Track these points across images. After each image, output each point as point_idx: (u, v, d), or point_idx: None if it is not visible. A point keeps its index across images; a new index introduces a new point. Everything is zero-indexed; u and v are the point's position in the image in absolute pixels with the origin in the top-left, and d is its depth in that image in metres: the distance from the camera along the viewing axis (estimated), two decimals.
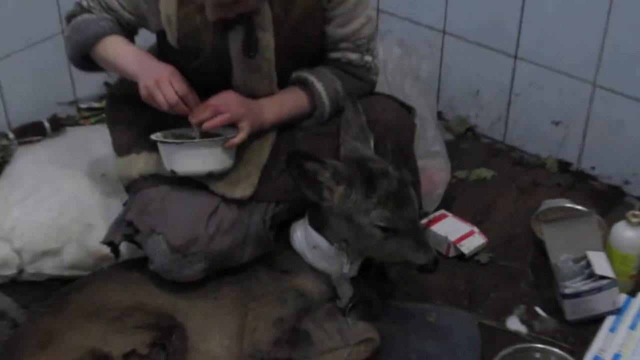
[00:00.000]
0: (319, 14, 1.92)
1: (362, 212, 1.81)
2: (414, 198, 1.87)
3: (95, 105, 2.73)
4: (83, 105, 2.76)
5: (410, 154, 2.10)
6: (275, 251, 1.99)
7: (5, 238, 2.17)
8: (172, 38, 1.89)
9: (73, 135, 2.54)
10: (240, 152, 1.94)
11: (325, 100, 1.98)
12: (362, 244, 1.87)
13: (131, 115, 2.07)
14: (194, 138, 1.88)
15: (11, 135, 2.43)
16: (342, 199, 1.83)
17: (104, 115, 2.26)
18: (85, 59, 1.95)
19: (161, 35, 1.95)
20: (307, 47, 1.98)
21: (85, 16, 1.91)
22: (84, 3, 1.93)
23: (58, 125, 2.57)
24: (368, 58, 2.02)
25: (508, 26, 2.56)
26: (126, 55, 1.88)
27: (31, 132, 2.50)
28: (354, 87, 2.02)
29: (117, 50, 1.89)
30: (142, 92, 1.82)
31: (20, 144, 2.45)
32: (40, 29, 2.49)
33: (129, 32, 1.97)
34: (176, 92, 1.79)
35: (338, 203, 1.83)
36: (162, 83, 1.79)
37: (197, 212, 1.88)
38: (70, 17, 1.95)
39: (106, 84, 2.73)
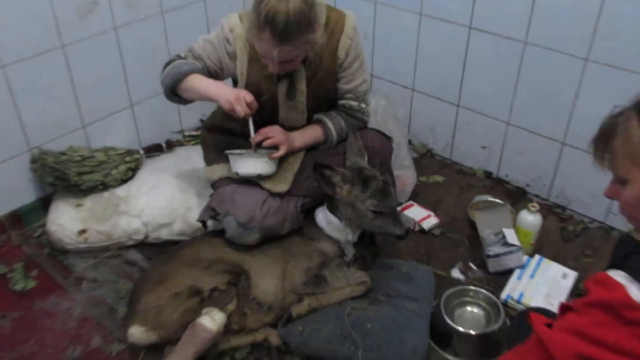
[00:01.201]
0: (334, 75, 1.92)
1: (360, 202, 1.81)
2: (393, 193, 1.87)
3: (194, 133, 2.74)
4: (186, 133, 2.77)
5: (389, 166, 2.09)
6: (304, 226, 1.98)
7: (137, 215, 2.19)
8: (241, 85, 1.90)
9: (180, 152, 2.55)
10: (281, 164, 1.94)
11: (334, 133, 1.97)
12: (360, 222, 1.87)
13: (216, 140, 2.07)
14: (252, 152, 1.89)
15: (141, 152, 2.45)
16: (348, 193, 1.83)
17: (199, 139, 2.27)
18: (173, 92, 1.89)
19: (234, 83, 1.96)
20: (325, 96, 1.97)
21: (181, 60, 1.88)
22: (181, 54, 1.91)
23: (170, 145, 2.59)
24: (363, 105, 2.01)
25: (453, 85, 2.54)
26: (208, 83, 1.82)
27: (154, 150, 2.52)
28: (352, 124, 2.00)
29: (201, 81, 1.83)
30: (225, 105, 1.76)
31: (147, 157, 2.46)
32: (160, 86, 2.50)
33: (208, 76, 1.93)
34: (248, 105, 1.77)
35: (345, 196, 1.83)
36: (239, 99, 1.75)
37: (254, 201, 1.88)
38: (168, 63, 1.89)
39: (201, 120, 2.74)
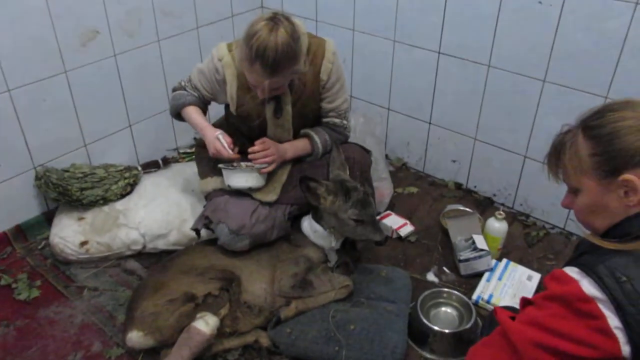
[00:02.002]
0: (318, 96, 1.91)
1: (343, 211, 1.79)
2: (373, 203, 1.84)
3: (188, 150, 2.70)
4: (181, 151, 2.72)
5: (369, 178, 2.08)
6: (291, 233, 1.95)
7: (136, 227, 2.13)
8: (233, 108, 1.89)
9: (175, 168, 2.50)
10: (270, 175, 1.92)
11: (320, 146, 1.96)
12: (343, 230, 1.84)
13: (208, 156, 2.03)
14: (243, 167, 1.87)
15: (139, 168, 2.40)
16: (331, 204, 1.81)
17: (193, 156, 2.24)
18: (177, 114, 1.97)
19: (227, 107, 1.95)
20: (310, 114, 1.96)
21: (181, 91, 1.95)
22: (182, 83, 1.96)
23: (166, 162, 2.54)
24: (345, 122, 2.00)
25: (425, 105, 2.54)
26: (196, 122, 1.91)
27: (151, 166, 2.47)
28: (336, 139, 1.99)
29: (194, 118, 1.92)
30: (210, 153, 1.86)
31: (144, 173, 2.41)
32: (157, 106, 2.49)
33: (204, 104, 1.98)
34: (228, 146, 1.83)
35: (329, 206, 1.81)
36: (219, 151, 1.82)
37: (245, 210, 1.85)
38: (174, 89, 1.99)
39: (194, 138, 2.71)
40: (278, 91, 1.76)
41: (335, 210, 1.80)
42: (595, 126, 1.06)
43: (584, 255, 1.06)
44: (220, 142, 1.82)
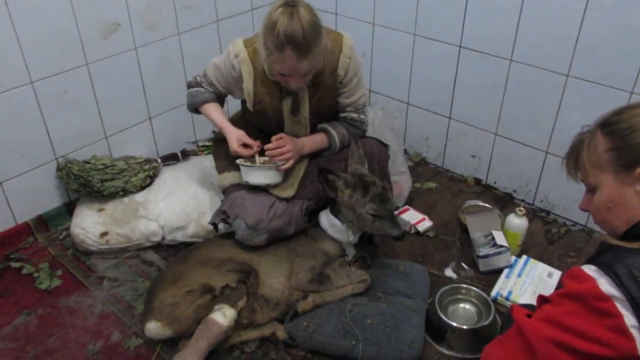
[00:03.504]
0: (335, 91, 1.90)
1: (361, 205, 1.79)
2: (391, 198, 1.84)
3: (207, 143, 2.71)
4: (200, 143, 2.73)
5: (387, 172, 2.07)
6: (309, 228, 1.95)
7: (155, 219, 2.15)
8: (249, 104, 1.89)
9: (194, 161, 2.52)
10: (287, 171, 1.92)
11: (337, 140, 1.95)
12: (361, 224, 1.84)
13: (226, 150, 2.03)
14: (262, 163, 1.88)
15: (159, 160, 2.42)
16: (349, 197, 1.80)
17: (211, 149, 2.24)
18: (195, 109, 2.00)
19: (243, 102, 1.95)
20: (327, 110, 1.95)
21: (197, 88, 1.97)
22: (198, 79, 1.97)
23: (185, 155, 2.55)
24: (362, 117, 1.99)
25: (444, 99, 2.51)
26: (216, 120, 1.94)
27: (170, 159, 2.49)
28: (353, 133, 1.98)
29: (212, 114, 1.95)
30: (232, 153, 1.89)
31: (163, 165, 2.43)
32: (176, 100, 2.50)
33: (220, 98, 1.99)
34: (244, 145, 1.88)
35: (347, 199, 1.81)
36: (238, 149, 1.86)
37: (262, 205, 1.86)
38: (189, 85, 2.00)
39: (213, 132, 2.72)
40: (308, 76, 1.75)
41: (353, 204, 1.79)
42: (614, 122, 1.08)
43: (603, 254, 1.06)
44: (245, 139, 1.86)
